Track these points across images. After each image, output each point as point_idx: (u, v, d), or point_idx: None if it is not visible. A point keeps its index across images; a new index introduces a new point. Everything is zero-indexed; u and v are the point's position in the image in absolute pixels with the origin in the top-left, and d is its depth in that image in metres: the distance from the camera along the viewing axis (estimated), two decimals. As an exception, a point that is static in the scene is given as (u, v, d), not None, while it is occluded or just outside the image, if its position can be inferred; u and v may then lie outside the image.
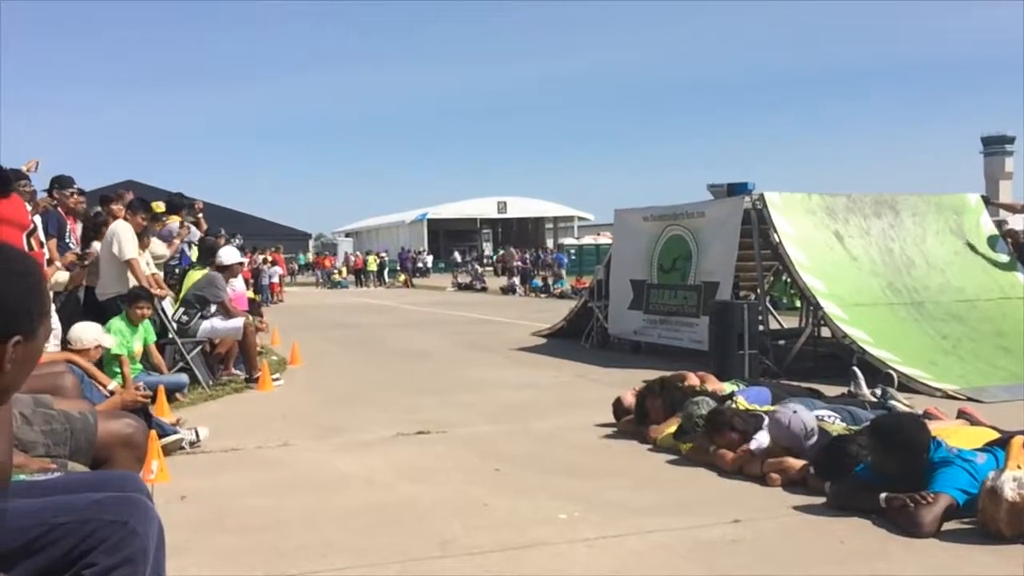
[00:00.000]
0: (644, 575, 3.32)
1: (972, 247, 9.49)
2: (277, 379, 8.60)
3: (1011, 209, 13.05)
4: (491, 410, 7.01)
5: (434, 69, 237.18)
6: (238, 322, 8.48)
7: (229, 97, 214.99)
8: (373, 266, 41.84)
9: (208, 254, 9.28)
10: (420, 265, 46.40)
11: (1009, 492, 3.52)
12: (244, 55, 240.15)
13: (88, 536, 1.80)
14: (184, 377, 7.57)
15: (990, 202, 10.80)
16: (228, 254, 9.22)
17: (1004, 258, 9.59)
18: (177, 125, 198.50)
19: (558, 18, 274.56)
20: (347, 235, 71.12)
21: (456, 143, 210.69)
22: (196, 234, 10.41)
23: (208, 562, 3.53)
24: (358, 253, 45.74)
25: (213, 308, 8.52)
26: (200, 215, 11.40)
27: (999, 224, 11.82)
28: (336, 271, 42.83)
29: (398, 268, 42.55)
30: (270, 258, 28.58)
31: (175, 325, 8.22)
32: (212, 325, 8.45)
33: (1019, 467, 3.59)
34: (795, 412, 4.73)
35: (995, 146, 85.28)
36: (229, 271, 8.98)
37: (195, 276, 8.84)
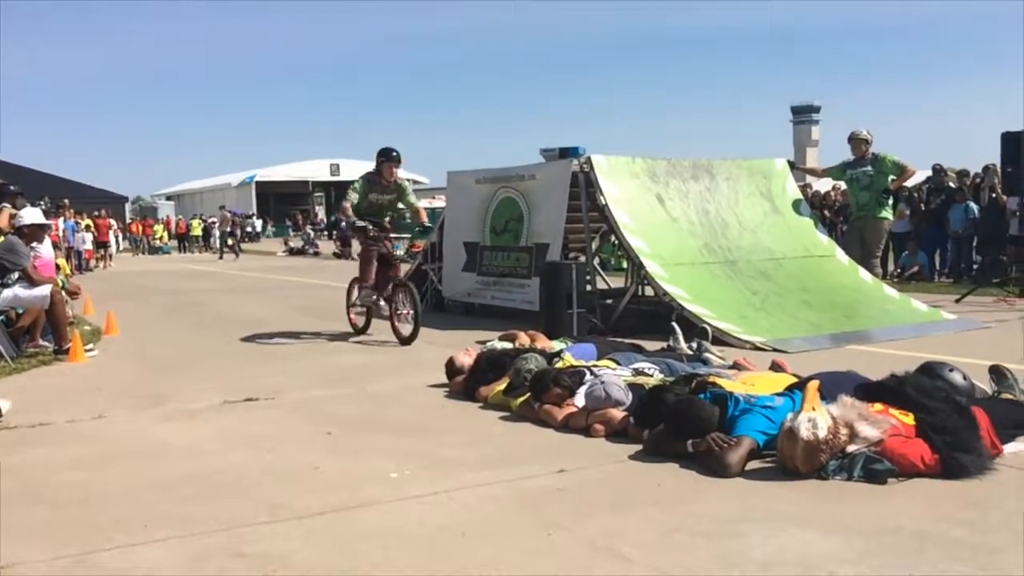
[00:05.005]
0: (474, 526, 3.41)
1: (779, 209, 10.17)
2: (90, 350, 8.11)
3: (813, 173, 14.08)
4: (324, 375, 6.92)
5: (262, 23, 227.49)
6: (44, 290, 7.91)
7: (30, 47, 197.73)
8: (197, 231, 40.01)
9: None
10: (249, 229, 44.70)
11: (804, 432, 3.84)
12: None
13: None
14: None
15: (795, 167, 11.59)
16: (29, 214, 8.54)
17: (807, 219, 10.34)
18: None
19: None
20: (168, 198, 67.57)
21: (287, 103, 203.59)
22: None
23: (18, 540, 3.31)
24: (180, 217, 43.59)
25: (15, 276, 7.90)
26: None
27: (804, 188, 12.74)
28: (156, 237, 40.72)
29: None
30: (84, 222, 26.80)
31: (-28, 295, 7.57)
32: (15, 294, 7.85)
33: (813, 409, 3.92)
34: (603, 383, 4.91)
35: (803, 115, 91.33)
36: (31, 235, 8.31)
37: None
